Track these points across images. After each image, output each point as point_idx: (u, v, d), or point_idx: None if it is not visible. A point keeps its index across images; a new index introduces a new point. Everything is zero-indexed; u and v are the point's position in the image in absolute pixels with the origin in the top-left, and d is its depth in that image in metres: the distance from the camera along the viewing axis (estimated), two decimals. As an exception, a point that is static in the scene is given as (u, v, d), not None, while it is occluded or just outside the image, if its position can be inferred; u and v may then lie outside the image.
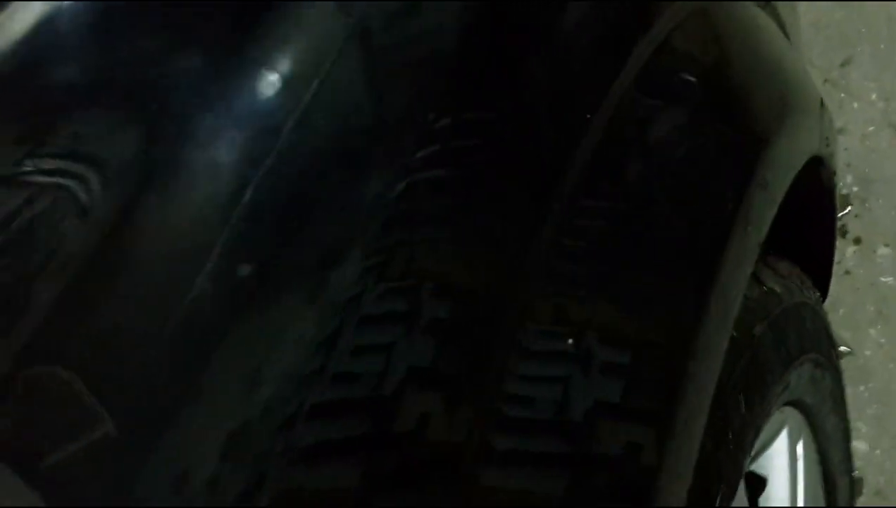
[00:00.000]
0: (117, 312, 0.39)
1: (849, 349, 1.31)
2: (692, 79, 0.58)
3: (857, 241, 1.42)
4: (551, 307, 0.48)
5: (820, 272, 0.83)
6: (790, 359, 0.66)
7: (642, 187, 0.53)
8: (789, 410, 0.75)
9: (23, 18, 0.44)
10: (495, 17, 0.51)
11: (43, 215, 0.40)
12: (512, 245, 0.47)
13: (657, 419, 0.48)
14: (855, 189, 1.48)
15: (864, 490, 1.21)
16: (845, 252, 1.42)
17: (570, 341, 0.47)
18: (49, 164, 0.43)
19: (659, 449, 0.47)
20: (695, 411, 0.51)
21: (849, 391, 1.15)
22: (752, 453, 0.73)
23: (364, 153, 0.45)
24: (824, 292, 0.88)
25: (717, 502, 0.55)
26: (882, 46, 1.63)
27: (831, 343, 0.79)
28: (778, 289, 0.67)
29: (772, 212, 0.58)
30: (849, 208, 1.45)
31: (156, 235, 0.41)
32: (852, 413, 1.15)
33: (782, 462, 0.78)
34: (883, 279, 1.38)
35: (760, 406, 0.62)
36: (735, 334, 0.59)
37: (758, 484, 0.75)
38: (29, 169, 0.42)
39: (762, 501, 0.79)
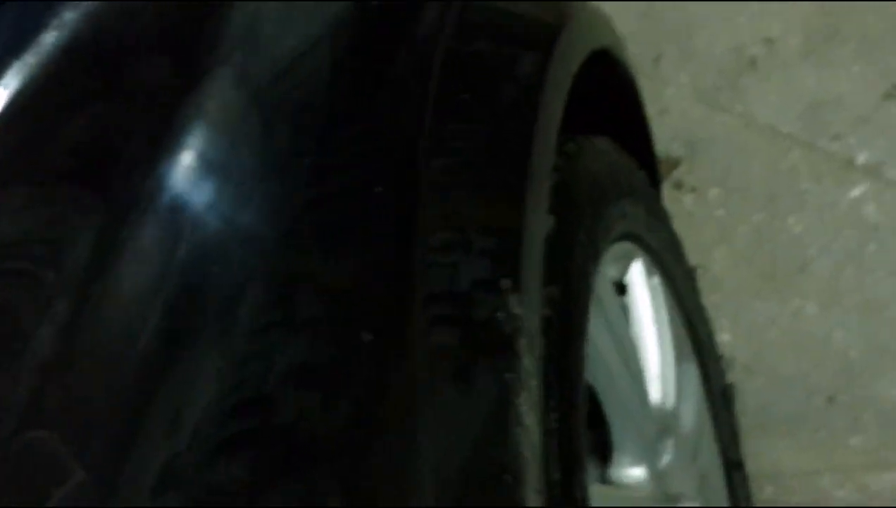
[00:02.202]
0: (81, 378, 0.47)
1: (701, 268, 1.61)
2: (495, 23, 0.82)
3: (693, 189, 1.75)
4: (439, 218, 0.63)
5: (646, 159, 1.12)
6: (617, 193, 0.94)
7: (482, 103, 0.72)
8: (636, 248, 1.03)
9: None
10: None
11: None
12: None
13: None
14: (683, 152, 1.81)
15: (735, 367, 1.49)
16: (684, 200, 1.74)
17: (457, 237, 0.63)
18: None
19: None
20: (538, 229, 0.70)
21: (708, 299, 1.44)
22: (614, 275, 1.01)
23: (255, 204, 0.55)
24: (655, 177, 1.17)
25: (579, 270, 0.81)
26: (682, 44, 1.99)
27: (658, 200, 1.07)
28: (599, 147, 0.95)
29: (566, 85, 0.80)
30: (681, 166, 1.78)
31: (107, 312, 0.49)
32: (716, 314, 1.45)
33: (643, 292, 1.05)
34: (718, 213, 1.70)
35: (603, 218, 0.90)
36: (569, 176, 0.86)
37: (622, 289, 1.01)
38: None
39: (633, 329, 1.05)
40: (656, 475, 0.96)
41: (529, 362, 0.62)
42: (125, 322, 0.49)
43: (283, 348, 0.53)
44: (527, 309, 0.63)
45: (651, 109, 1.87)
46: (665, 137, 1.83)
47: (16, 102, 0.51)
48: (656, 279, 1.07)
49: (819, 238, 1.56)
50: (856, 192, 1.57)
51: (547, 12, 0.86)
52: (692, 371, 1.13)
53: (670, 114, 1.87)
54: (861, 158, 1.61)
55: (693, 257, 1.66)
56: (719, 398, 1.21)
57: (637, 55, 2.02)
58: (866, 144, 1.63)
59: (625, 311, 1.04)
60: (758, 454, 1.31)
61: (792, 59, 1.84)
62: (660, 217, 1.10)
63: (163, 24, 0.59)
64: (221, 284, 0.53)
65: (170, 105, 0.55)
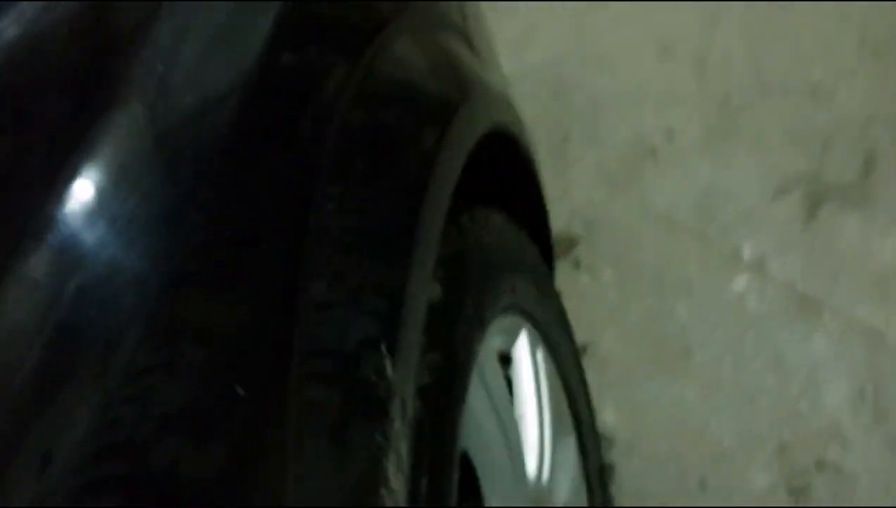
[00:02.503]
0: None
1: (591, 346, 1.65)
2: (398, 88, 0.86)
3: (589, 269, 1.79)
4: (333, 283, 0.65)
5: (541, 235, 1.15)
6: (508, 267, 0.97)
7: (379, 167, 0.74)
8: (523, 322, 1.05)
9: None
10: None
11: None
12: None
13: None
14: (583, 232, 1.86)
15: (616, 447, 1.53)
16: (580, 279, 1.78)
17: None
18: None
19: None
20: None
21: (594, 377, 1.48)
22: (500, 347, 1.03)
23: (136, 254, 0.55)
24: (549, 253, 1.20)
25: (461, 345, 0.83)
26: (589, 127, 2.06)
27: (549, 276, 1.10)
28: (493, 221, 0.98)
29: (455, 167, 0.81)
30: (579, 245, 1.83)
31: None
32: (600, 393, 1.48)
33: (526, 365, 1.07)
34: (610, 294, 1.75)
35: (492, 290, 0.92)
36: (460, 247, 0.89)
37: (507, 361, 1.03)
38: None
39: (514, 401, 1.07)
40: (526, 547, 0.97)
41: (401, 425, 0.63)
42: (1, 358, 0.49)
43: (159, 394, 0.53)
44: (402, 373, 0.65)
45: (555, 188, 1.93)
46: (566, 215, 1.88)
47: None
48: (541, 354, 1.09)
49: (703, 326, 1.62)
50: (740, 283, 1.64)
51: (448, 89, 0.89)
52: (570, 447, 1.15)
53: (573, 194, 1.93)
54: (747, 252, 1.68)
55: (584, 335, 1.71)
56: (596, 475, 1.23)
57: (545, 134, 2.08)
58: (753, 239, 1.70)
59: (508, 382, 1.05)
60: (630, 533, 1.34)
61: (690, 151, 1.91)
62: (550, 293, 1.13)
63: (72, 57, 0.60)
64: (102, 325, 0.52)
65: (67, 143, 0.56)
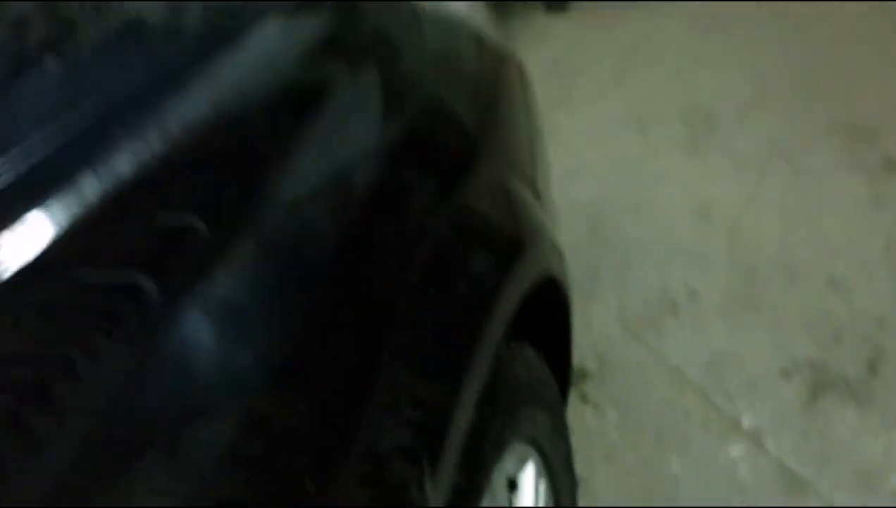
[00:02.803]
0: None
1: (584, 481, 1.73)
2: (478, 225, 0.98)
3: (595, 405, 1.88)
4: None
5: (562, 373, 1.25)
6: (530, 399, 1.07)
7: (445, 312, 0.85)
8: (533, 451, 1.14)
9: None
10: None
11: None
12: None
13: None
14: (595, 368, 1.95)
15: (590, 581, 1.59)
16: (585, 413, 1.87)
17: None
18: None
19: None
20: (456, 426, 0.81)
21: (583, 510, 1.55)
22: (509, 472, 1.12)
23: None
24: (566, 391, 1.30)
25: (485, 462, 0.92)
26: (619, 270, 2.17)
27: (563, 412, 1.19)
28: (527, 357, 1.08)
29: (511, 306, 0.93)
30: (589, 380, 1.92)
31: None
32: (585, 526, 1.56)
33: (529, 493, 1.16)
34: (611, 433, 1.83)
35: (514, 420, 1.01)
36: (497, 377, 0.99)
37: (513, 486, 1.12)
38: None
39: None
40: None
41: (427, 534, 0.72)
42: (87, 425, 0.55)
43: (211, 475, 0.59)
44: (437, 490, 0.74)
45: (576, 321, 2.03)
46: (582, 349, 1.98)
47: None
48: (543, 485, 1.18)
49: (693, 483, 1.69)
50: (734, 451, 1.72)
51: (517, 234, 1.01)
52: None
53: (592, 330, 2.03)
54: (746, 422, 1.77)
55: (580, 468, 1.78)
56: None
57: (577, 268, 2.20)
58: (754, 410, 1.79)
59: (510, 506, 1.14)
60: None
61: (709, 314, 2.02)
62: (561, 429, 1.22)
63: (212, 178, 0.72)
64: (189, 405, 0.60)
65: (209, 243, 0.66)
